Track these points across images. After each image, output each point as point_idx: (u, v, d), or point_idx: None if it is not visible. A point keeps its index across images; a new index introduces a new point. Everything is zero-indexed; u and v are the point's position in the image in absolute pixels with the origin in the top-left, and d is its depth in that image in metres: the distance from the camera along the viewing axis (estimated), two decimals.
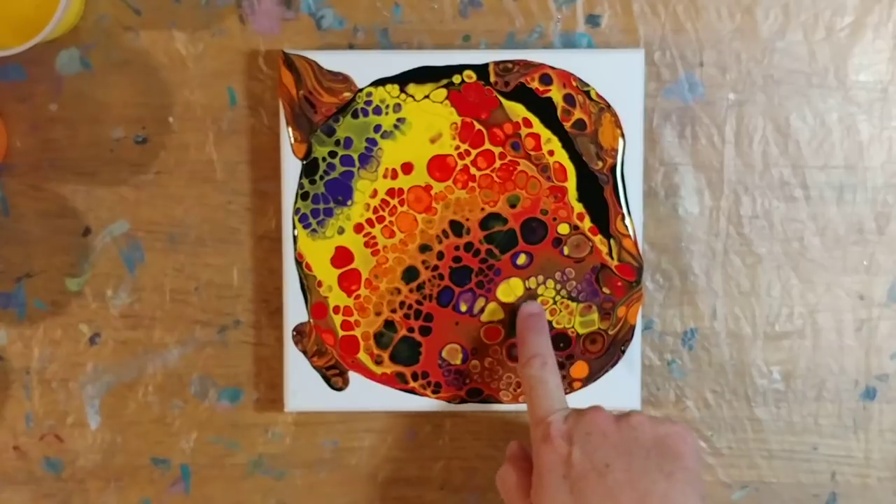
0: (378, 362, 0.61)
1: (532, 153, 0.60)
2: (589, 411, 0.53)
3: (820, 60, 0.61)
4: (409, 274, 0.60)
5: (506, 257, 0.60)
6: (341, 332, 0.60)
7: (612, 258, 0.60)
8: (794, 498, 0.63)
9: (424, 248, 0.60)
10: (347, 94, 0.59)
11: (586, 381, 0.61)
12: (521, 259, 0.60)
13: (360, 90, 0.59)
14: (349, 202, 0.60)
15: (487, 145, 0.60)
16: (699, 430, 0.63)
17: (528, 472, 0.54)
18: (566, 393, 0.61)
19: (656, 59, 0.61)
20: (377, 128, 0.60)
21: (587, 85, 0.59)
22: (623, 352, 0.61)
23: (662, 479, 0.50)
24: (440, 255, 0.60)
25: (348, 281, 0.60)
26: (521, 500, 0.54)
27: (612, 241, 0.60)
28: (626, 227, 0.60)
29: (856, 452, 0.63)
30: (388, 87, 0.59)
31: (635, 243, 0.60)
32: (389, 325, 0.61)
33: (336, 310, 0.60)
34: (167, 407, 0.62)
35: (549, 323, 0.60)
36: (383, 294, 0.60)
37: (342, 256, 0.60)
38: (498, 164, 0.60)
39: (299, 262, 0.60)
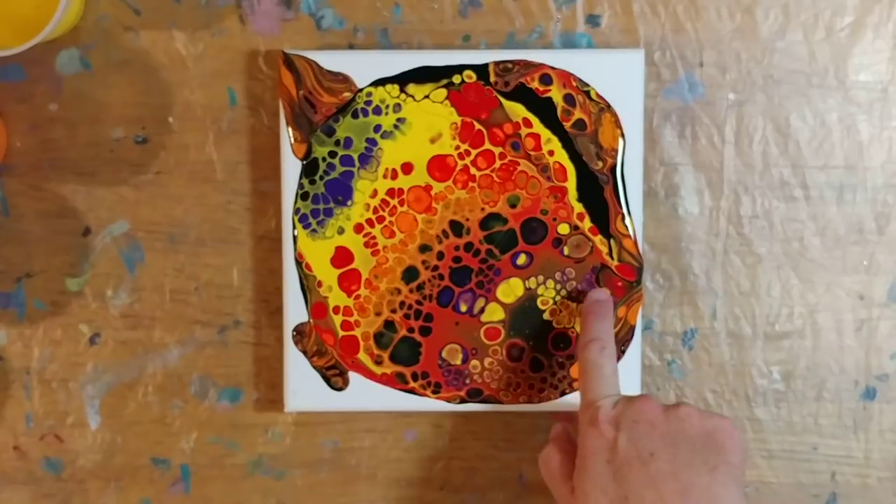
0: (378, 362, 0.61)
1: (532, 153, 0.60)
2: (638, 399, 0.53)
3: (820, 60, 0.61)
4: (409, 274, 0.60)
5: (506, 257, 0.60)
6: (341, 332, 0.60)
7: (612, 258, 0.60)
8: (794, 498, 0.63)
9: (424, 248, 0.60)
10: (347, 94, 0.59)
11: None
12: (521, 259, 0.60)
13: (360, 90, 0.59)
14: (349, 202, 0.60)
15: (487, 145, 0.60)
16: None
17: (571, 455, 0.54)
18: (566, 393, 0.61)
19: (656, 59, 0.61)
20: (377, 128, 0.60)
21: (587, 85, 0.59)
22: (623, 352, 0.61)
23: (706, 473, 0.50)
24: (440, 256, 0.60)
25: (348, 281, 0.60)
26: (562, 482, 0.54)
27: (612, 241, 0.60)
28: (626, 227, 0.60)
29: (856, 452, 0.63)
30: (388, 87, 0.59)
31: (635, 243, 0.60)
32: (389, 325, 0.61)
33: (336, 310, 0.60)
34: (167, 407, 0.62)
35: (549, 323, 0.60)
36: (383, 294, 0.60)
37: (342, 256, 0.60)
38: (498, 164, 0.60)
39: (299, 262, 0.60)
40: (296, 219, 0.60)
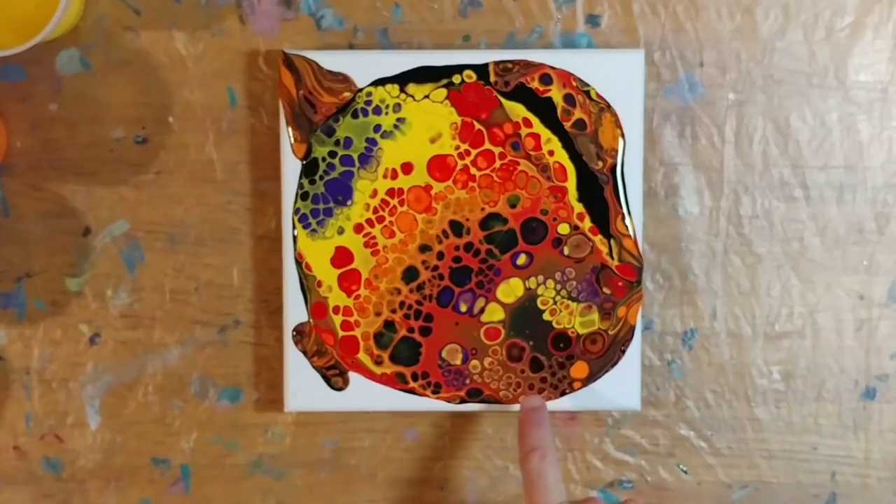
0: (378, 362, 0.61)
1: (532, 153, 0.60)
2: None
3: (820, 60, 0.61)
4: (409, 274, 0.60)
5: (506, 257, 0.60)
6: (341, 333, 0.60)
7: (612, 258, 0.60)
8: (794, 498, 0.63)
9: (424, 248, 0.60)
10: (347, 94, 0.59)
11: (586, 381, 0.61)
12: (521, 259, 0.60)
13: (360, 90, 0.59)
14: (349, 202, 0.60)
15: (487, 145, 0.60)
16: (699, 429, 0.63)
17: None
18: (566, 393, 0.61)
19: (656, 59, 0.61)
20: (377, 128, 0.60)
21: (587, 85, 0.59)
22: (623, 352, 0.61)
23: None
24: (440, 255, 0.60)
25: (348, 281, 0.60)
26: None
27: (612, 241, 0.60)
28: (626, 226, 0.60)
29: (856, 452, 0.63)
30: (388, 87, 0.59)
31: (635, 243, 0.60)
32: (389, 325, 0.61)
33: (336, 310, 0.60)
34: (167, 407, 0.62)
35: (549, 323, 0.60)
36: (383, 294, 0.60)
37: (342, 256, 0.60)
38: (498, 164, 0.60)
39: (299, 262, 0.60)
40: (296, 219, 0.60)
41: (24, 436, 0.63)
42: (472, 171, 0.60)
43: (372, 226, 0.60)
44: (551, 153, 0.60)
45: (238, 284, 0.62)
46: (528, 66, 0.59)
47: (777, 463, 0.63)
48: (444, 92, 0.59)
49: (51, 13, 0.54)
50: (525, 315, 0.61)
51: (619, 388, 0.61)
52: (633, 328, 0.61)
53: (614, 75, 0.59)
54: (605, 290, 0.60)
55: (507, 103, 0.60)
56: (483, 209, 0.60)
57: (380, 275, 0.60)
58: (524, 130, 0.60)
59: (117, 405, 0.63)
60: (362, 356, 0.61)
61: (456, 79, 0.59)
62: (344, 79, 0.59)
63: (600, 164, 0.60)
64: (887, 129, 0.62)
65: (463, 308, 0.61)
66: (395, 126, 0.60)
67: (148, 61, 0.61)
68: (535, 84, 0.59)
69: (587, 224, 0.60)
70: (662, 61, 0.61)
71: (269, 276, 0.62)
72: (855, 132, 0.62)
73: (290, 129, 0.59)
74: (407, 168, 0.60)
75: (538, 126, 0.60)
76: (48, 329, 0.62)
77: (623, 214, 0.60)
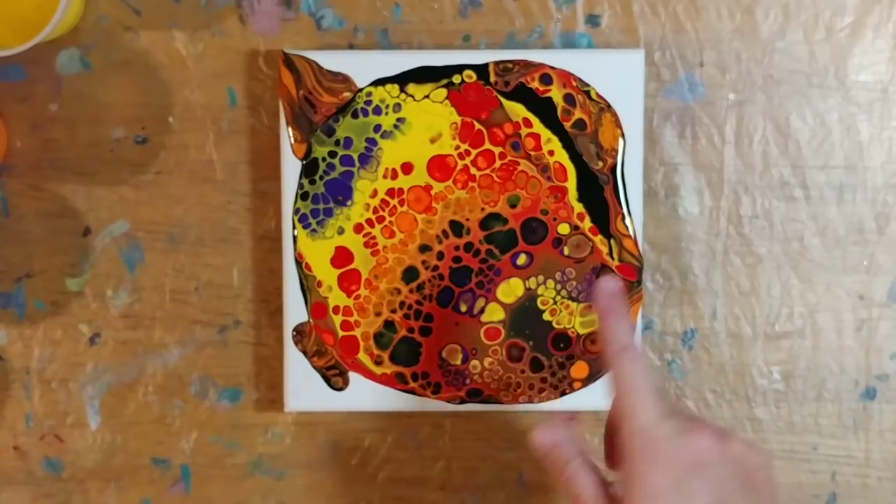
0: (378, 362, 0.61)
1: (532, 153, 0.60)
2: (695, 435, 0.48)
3: (820, 60, 0.61)
4: (409, 274, 0.60)
5: (506, 257, 0.60)
6: (341, 333, 0.60)
7: (612, 258, 0.60)
8: (794, 498, 0.63)
9: (424, 249, 0.60)
10: (347, 94, 0.59)
11: (586, 381, 0.61)
12: (522, 259, 0.60)
13: (360, 90, 0.59)
14: (349, 202, 0.60)
15: (487, 145, 0.60)
16: None
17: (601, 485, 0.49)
18: (566, 393, 0.61)
19: (656, 59, 0.61)
20: (377, 128, 0.60)
21: (587, 85, 0.59)
22: None
23: None
24: (440, 256, 0.60)
25: (348, 281, 0.60)
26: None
27: (612, 241, 0.60)
28: (626, 227, 0.60)
29: (856, 452, 0.63)
30: (388, 87, 0.59)
31: (635, 243, 0.60)
32: (389, 325, 0.61)
33: (336, 310, 0.60)
34: (167, 407, 0.62)
35: (549, 323, 0.60)
36: (383, 294, 0.60)
37: (342, 256, 0.60)
38: (498, 164, 0.60)
39: (299, 262, 0.60)
40: (296, 219, 0.60)
41: (24, 436, 0.63)
42: (472, 171, 0.60)
43: (372, 226, 0.60)
44: (551, 153, 0.60)
45: (238, 284, 0.62)
46: (528, 66, 0.59)
47: (777, 463, 0.63)
48: (444, 92, 0.59)
49: (51, 13, 0.54)
50: (525, 315, 0.61)
51: None
52: (633, 328, 0.61)
53: (614, 75, 0.59)
54: None
55: (507, 103, 0.60)
56: (483, 209, 0.60)
57: (380, 275, 0.60)
58: (524, 130, 0.60)
59: (117, 405, 0.63)
60: (362, 356, 0.61)
61: (456, 79, 0.59)
62: (344, 79, 0.59)
63: (600, 164, 0.60)
64: (887, 129, 0.62)
65: (463, 308, 0.61)
66: (395, 126, 0.60)
67: (148, 61, 0.61)
68: (535, 84, 0.59)
69: (587, 224, 0.60)
70: (662, 61, 0.61)
71: (269, 276, 0.62)
72: (855, 132, 0.62)
73: (290, 129, 0.59)
74: (407, 168, 0.60)
75: (538, 126, 0.60)
76: (48, 329, 0.62)
77: (623, 214, 0.60)
